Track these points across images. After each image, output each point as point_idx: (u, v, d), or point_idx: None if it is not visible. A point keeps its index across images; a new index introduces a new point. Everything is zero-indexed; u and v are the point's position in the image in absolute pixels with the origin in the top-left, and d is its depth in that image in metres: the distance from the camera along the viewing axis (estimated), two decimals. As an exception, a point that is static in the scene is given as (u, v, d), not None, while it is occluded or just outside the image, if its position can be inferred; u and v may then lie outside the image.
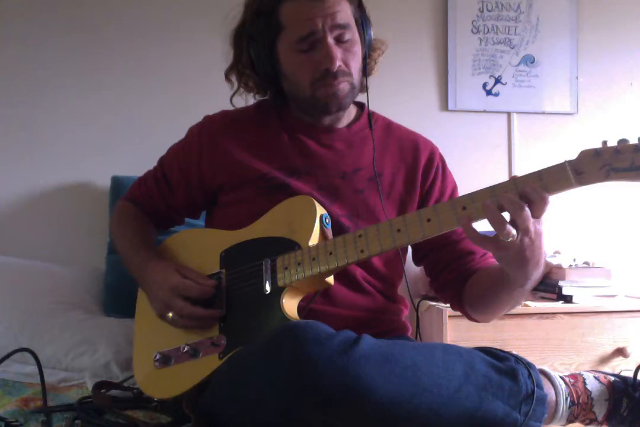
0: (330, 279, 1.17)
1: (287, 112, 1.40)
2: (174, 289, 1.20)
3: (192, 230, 1.43)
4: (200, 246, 1.32)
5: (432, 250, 1.37)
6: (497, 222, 0.98)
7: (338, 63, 1.25)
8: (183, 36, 2.17)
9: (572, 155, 1.00)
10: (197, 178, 1.37)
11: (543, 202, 0.98)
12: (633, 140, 0.95)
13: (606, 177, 0.96)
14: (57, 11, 2.12)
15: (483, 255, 1.34)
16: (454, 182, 1.43)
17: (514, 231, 0.99)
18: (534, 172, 1.01)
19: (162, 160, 1.46)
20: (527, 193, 0.98)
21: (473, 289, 1.30)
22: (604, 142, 0.97)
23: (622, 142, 0.96)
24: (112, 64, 2.14)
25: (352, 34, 1.27)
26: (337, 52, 1.25)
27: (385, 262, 1.35)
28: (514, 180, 1.02)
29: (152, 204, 1.44)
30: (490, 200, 1.00)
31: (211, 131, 1.37)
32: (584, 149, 0.99)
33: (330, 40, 1.24)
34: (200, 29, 2.15)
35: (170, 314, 1.20)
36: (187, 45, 2.17)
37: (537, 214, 0.99)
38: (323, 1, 1.23)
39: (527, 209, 0.98)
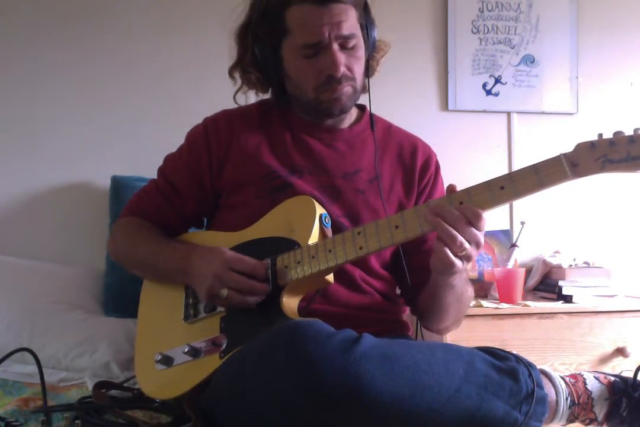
0: (330, 277, 1.17)
1: (290, 111, 1.40)
2: (229, 262, 1.15)
3: (193, 233, 1.43)
4: None
5: (403, 255, 1.35)
6: (450, 236, 1.02)
7: (342, 69, 1.25)
8: (184, 36, 2.17)
9: (572, 154, 1.01)
10: (209, 179, 1.35)
11: (479, 219, 1.02)
12: (629, 133, 0.96)
13: (602, 168, 0.97)
14: (57, 10, 2.12)
15: None
16: (443, 193, 1.43)
17: (467, 244, 1.03)
18: (529, 166, 1.02)
19: (163, 171, 1.42)
20: (464, 212, 1.02)
21: (424, 298, 1.32)
22: (600, 135, 0.98)
23: (618, 133, 0.97)
24: (112, 64, 2.13)
25: (357, 40, 1.28)
26: (342, 58, 1.25)
27: (383, 263, 1.36)
28: (509, 175, 1.03)
29: (158, 216, 1.39)
30: (435, 216, 1.04)
31: (217, 130, 1.36)
32: (579, 141, 1.00)
33: (335, 47, 1.25)
34: (203, 28, 2.15)
35: (225, 291, 1.13)
36: (188, 45, 2.17)
37: (479, 229, 1.04)
38: (330, 9, 1.23)
39: (473, 227, 1.02)
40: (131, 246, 1.37)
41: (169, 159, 1.43)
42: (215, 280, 1.15)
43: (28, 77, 2.10)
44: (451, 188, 1.08)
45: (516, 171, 1.03)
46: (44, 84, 2.10)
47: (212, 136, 1.36)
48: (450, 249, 1.04)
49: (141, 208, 1.41)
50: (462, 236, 1.02)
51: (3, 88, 2.08)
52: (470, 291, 1.31)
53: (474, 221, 1.02)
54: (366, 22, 1.31)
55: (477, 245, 1.05)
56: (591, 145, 0.98)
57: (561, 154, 1.00)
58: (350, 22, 1.25)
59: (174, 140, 1.44)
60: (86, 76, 2.12)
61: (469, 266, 1.14)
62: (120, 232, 1.42)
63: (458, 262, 1.05)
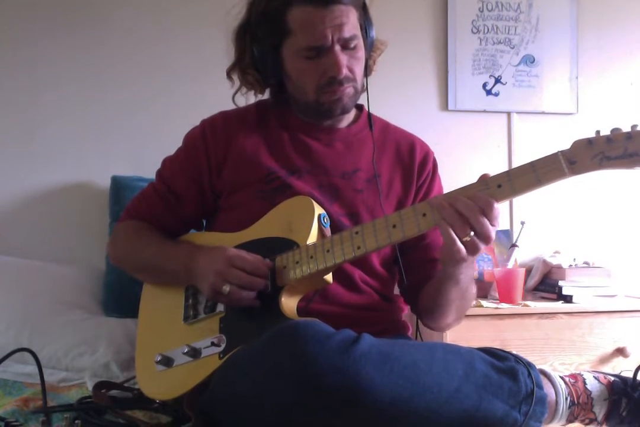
0: (329, 277, 1.17)
1: (288, 111, 1.40)
2: (231, 259, 1.16)
3: (193, 234, 1.42)
4: None
5: (402, 253, 1.36)
6: (453, 217, 1.01)
7: (344, 71, 1.26)
8: (184, 35, 2.17)
9: (572, 155, 1.00)
10: (208, 181, 1.35)
11: (491, 207, 1.01)
12: (626, 130, 0.96)
13: (599, 165, 0.97)
14: (57, 10, 2.11)
15: None
16: (441, 189, 1.44)
17: (469, 230, 1.01)
18: (527, 163, 1.02)
19: (161, 175, 1.42)
20: (476, 200, 1.01)
21: (427, 293, 1.31)
22: (597, 132, 0.98)
23: (615, 130, 0.97)
24: (113, 65, 2.13)
25: (358, 41, 1.28)
26: (344, 60, 1.25)
27: (383, 260, 1.36)
28: (507, 173, 1.03)
29: (157, 219, 1.39)
30: (447, 202, 1.03)
31: (215, 132, 1.36)
32: (576, 139, 1.00)
33: (338, 49, 1.25)
34: (203, 26, 2.14)
35: (227, 287, 1.14)
36: (189, 45, 2.17)
37: (493, 222, 1.02)
38: (332, 10, 1.23)
39: (484, 216, 1.01)
40: (133, 249, 1.37)
41: (167, 162, 1.42)
42: (217, 277, 1.15)
43: (28, 77, 2.09)
44: (484, 177, 1.06)
45: (514, 169, 1.03)
46: (44, 84, 2.10)
47: (210, 138, 1.36)
48: (454, 232, 1.02)
49: (140, 212, 1.41)
50: (471, 223, 1.01)
51: (3, 89, 2.08)
52: (473, 289, 1.31)
53: (486, 209, 1.01)
54: (365, 22, 1.31)
55: (486, 238, 1.03)
56: (588, 142, 0.98)
57: (559, 151, 1.00)
58: (352, 24, 1.26)
59: (175, 141, 1.44)
60: (87, 76, 2.12)
61: (474, 263, 1.13)
62: (121, 236, 1.41)
63: (463, 248, 1.03)
